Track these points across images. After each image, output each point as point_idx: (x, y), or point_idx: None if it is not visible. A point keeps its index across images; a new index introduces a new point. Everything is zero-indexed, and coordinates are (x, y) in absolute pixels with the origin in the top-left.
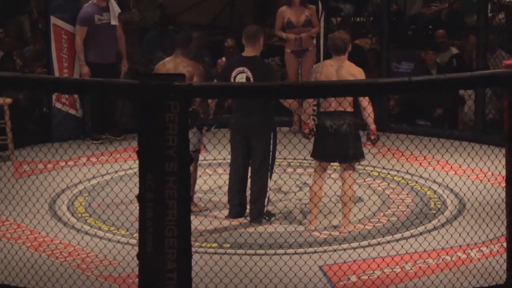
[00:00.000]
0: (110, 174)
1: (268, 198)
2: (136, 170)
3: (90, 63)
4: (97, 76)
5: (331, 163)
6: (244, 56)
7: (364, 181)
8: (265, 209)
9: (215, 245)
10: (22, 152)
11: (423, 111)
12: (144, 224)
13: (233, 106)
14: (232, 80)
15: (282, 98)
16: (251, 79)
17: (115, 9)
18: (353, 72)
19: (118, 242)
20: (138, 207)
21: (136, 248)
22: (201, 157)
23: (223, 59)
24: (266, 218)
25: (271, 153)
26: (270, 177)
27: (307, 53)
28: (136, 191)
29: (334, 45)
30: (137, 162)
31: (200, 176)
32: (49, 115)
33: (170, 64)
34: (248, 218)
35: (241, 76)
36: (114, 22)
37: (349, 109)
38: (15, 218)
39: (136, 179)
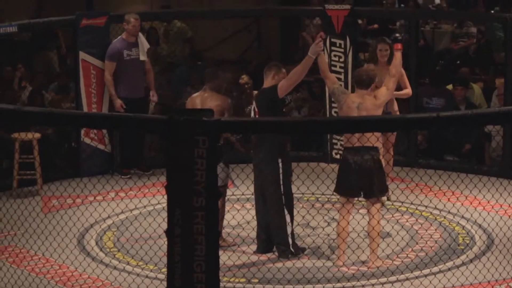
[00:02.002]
0: (138, 209)
1: (292, 230)
2: (165, 205)
3: (119, 97)
4: (126, 111)
5: (357, 198)
6: (264, 88)
7: (392, 216)
8: (291, 242)
9: (243, 280)
10: (50, 186)
11: (451, 146)
12: (172, 259)
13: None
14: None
15: (307, 134)
16: (256, 109)
17: (144, 44)
18: (374, 102)
19: (147, 277)
20: (166, 242)
21: (165, 283)
22: (229, 192)
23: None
24: (293, 252)
25: (281, 185)
26: (292, 209)
27: None
28: (165, 226)
29: (358, 77)
30: (165, 197)
31: (228, 211)
32: (77, 150)
33: (198, 98)
34: (276, 253)
35: (251, 108)
36: (143, 57)
37: (377, 144)
38: (43, 252)
39: (164, 214)
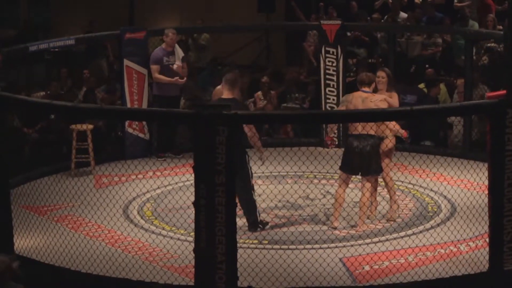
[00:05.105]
0: (171, 185)
1: (258, 210)
2: (192, 181)
3: (156, 95)
4: (162, 106)
5: (354, 175)
6: (223, 98)
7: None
8: (259, 219)
9: (256, 241)
10: (101, 167)
11: (426, 134)
12: (198, 225)
13: None
14: None
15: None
16: None
17: (179, 52)
18: (378, 97)
19: (178, 239)
20: (194, 211)
21: (192, 244)
22: None
23: (259, 93)
24: (261, 226)
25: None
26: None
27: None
28: (192, 198)
29: (360, 78)
30: (192, 175)
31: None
32: (122, 138)
33: (221, 89)
34: (280, 221)
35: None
36: (178, 63)
37: (372, 132)
38: (96, 220)
39: (192, 189)
